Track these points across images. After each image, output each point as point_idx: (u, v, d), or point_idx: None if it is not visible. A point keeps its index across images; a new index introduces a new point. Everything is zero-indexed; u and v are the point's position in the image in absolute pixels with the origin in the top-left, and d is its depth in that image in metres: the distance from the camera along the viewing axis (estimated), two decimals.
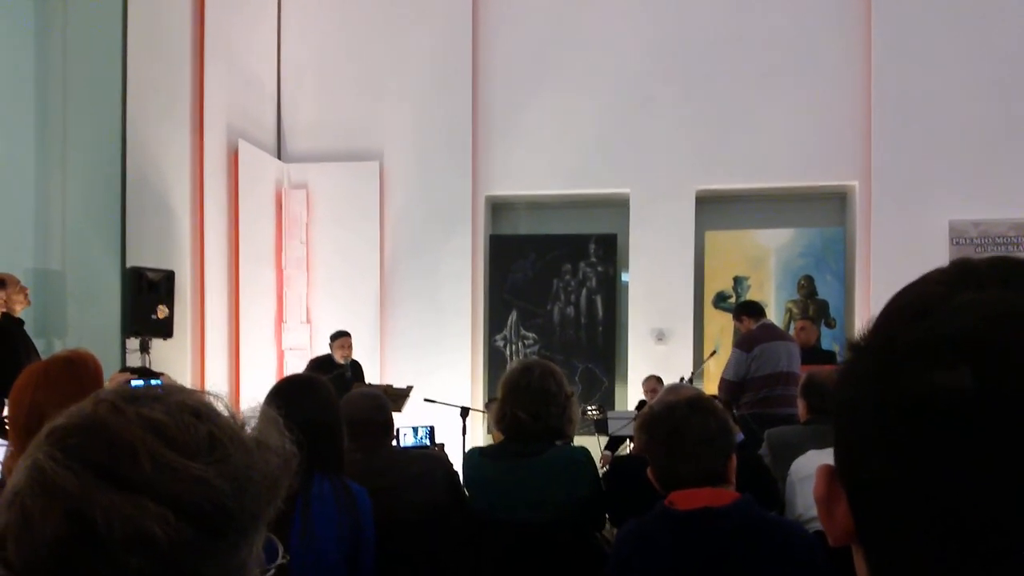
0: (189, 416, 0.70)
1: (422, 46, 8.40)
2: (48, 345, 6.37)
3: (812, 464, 3.07)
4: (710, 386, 7.51)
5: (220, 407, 0.74)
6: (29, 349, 4.96)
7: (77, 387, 2.12)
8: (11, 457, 2.12)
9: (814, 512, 2.97)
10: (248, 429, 0.74)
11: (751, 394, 5.87)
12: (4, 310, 4.70)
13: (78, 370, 2.16)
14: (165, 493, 0.66)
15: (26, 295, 4.93)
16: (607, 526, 3.02)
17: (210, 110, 7.10)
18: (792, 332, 7.26)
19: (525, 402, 2.72)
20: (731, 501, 1.90)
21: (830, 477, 0.57)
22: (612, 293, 8.46)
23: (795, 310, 8.14)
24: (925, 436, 0.48)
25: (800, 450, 3.25)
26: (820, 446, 3.23)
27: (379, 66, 8.47)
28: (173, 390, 0.73)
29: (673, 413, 2.01)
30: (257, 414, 0.77)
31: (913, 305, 0.53)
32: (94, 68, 6.90)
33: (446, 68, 8.37)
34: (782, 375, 5.87)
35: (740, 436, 3.38)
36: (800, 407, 3.96)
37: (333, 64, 8.56)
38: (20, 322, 4.90)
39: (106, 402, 0.69)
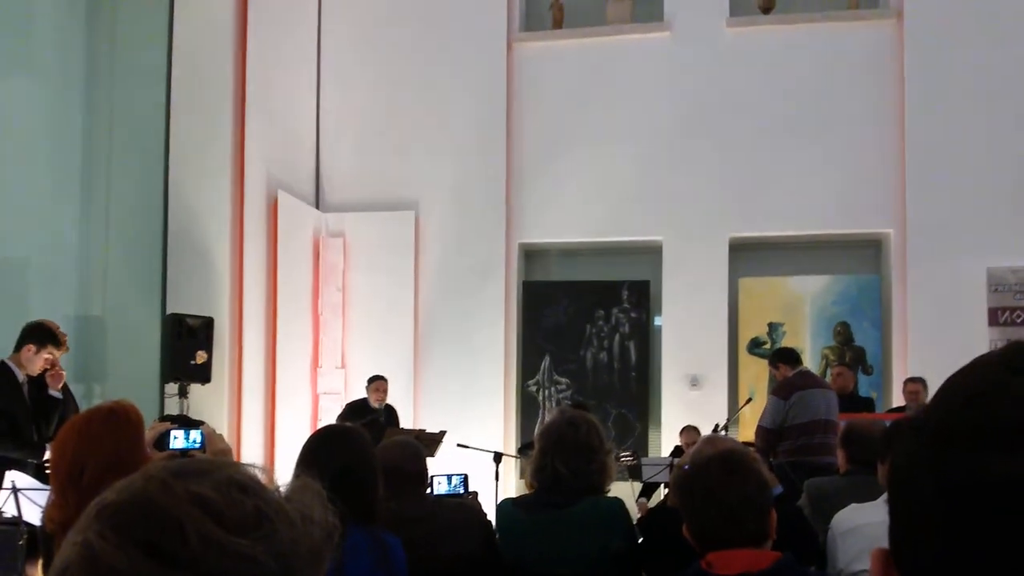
0: (237, 492, 0.70)
1: (458, 98, 8.54)
2: (88, 390, 6.48)
3: (853, 518, 3.01)
4: (745, 432, 7.42)
5: (264, 479, 0.76)
6: (67, 396, 5.01)
7: (118, 438, 2.15)
8: (53, 507, 2.15)
9: (855, 567, 2.91)
10: (290, 501, 0.76)
11: (789, 442, 5.79)
12: (52, 364, 4.77)
13: (119, 421, 2.20)
14: (213, 571, 0.66)
15: (67, 346, 4.96)
16: None
17: (250, 161, 7.25)
18: (828, 379, 7.17)
19: (568, 457, 2.71)
20: (771, 563, 1.87)
21: (885, 562, 0.56)
22: (645, 339, 8.43)
23: (831, 356, 8.04)
24: (985, 522, 0.48)
25: (840, 502, 3.19)
26: (861, 499, 3.17)
27: (415, 117, 8.61)
28: (221, 464, 0.74)
29: (708, 472, 1.97)
30: (300, 484, 0.78)
31: (969, 390, 0.53)
32: (138, 120, 7.11)
33: (481, 119, 8.49)
34: (820, 423, 5.80)
35: (778, 489, 3.33)
36: (840, 457, 3.90)
37: (370, 115, 8.72)
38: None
39: (156, 479, 0.70)
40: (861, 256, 8.38)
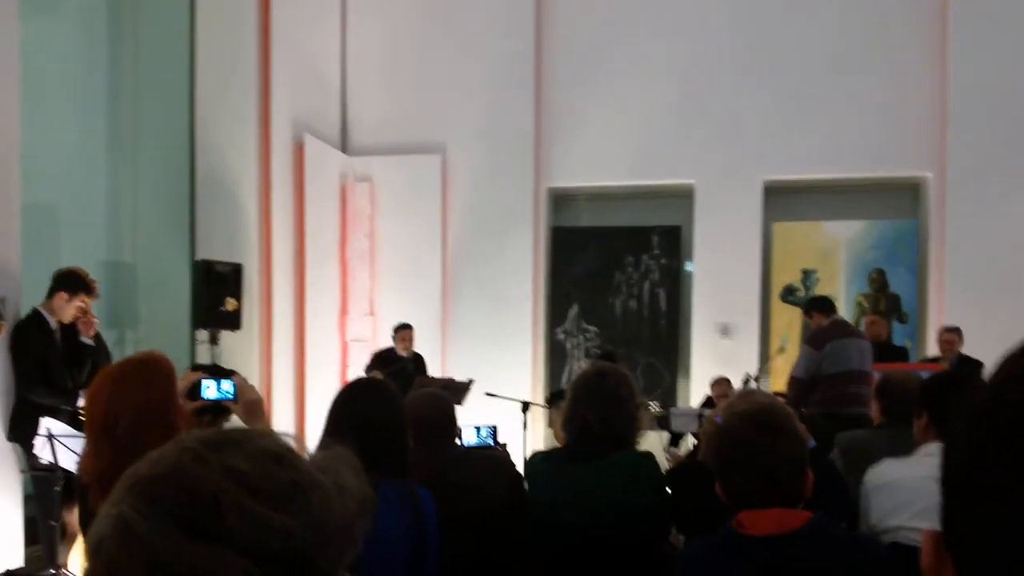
0: (271, 463, 0.70)
1: (485, 38, 8.38)
2: (120, 336, 6.56)
3: (887, 473, 2.97)
4: (777, 382, 7.38)
5: (296, 448, 0.74)
6: (98, 342, 5.05)
7: (150, 389, 2.16)
8: (88, 457, 2.17)
9: (888, 523, 2.88)
10: (324, 471, 0.74)
11: (821, 393, 5.74)
12: (84, 311, 4.81)
13: (150, 372, 2.20)
14: (248, 544, 0.66)
15: (97, 293, 5.00)
16: (673, 532, 2.97)
17: (276, 105, 7.19)
18: (862, 327, 7.08)
19: (596, 406, 2.69)
20: (803, 523, 1.83)
21: (938, 545, 0.55)
22: (675, 286, 8.36)
23: (866, 304, 7.93)
24: None
25: (874, 456, 3.14)
26: (895, 453, 3.12)
27: (442, 59, 8.48)
28: (254, 435, 0.73)
29: (743, 430, 1.92)
30: (333, 454, 0.76)
31: None
32: (163, 67, 7.06)
33: (509, 60, 8.34)
34: (854, 373, 5.74)
35: (811, 443, 3.29)
36: (874, 409, 3.85)
37: (396, 58, 8.59)
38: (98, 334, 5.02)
39: (189, 450, 0.70)
40: (898, 200, 8.19)
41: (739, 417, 1.98)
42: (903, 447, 3.05)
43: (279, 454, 0.71)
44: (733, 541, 1.85)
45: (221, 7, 7.06)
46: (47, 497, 4.47)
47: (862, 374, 5.73)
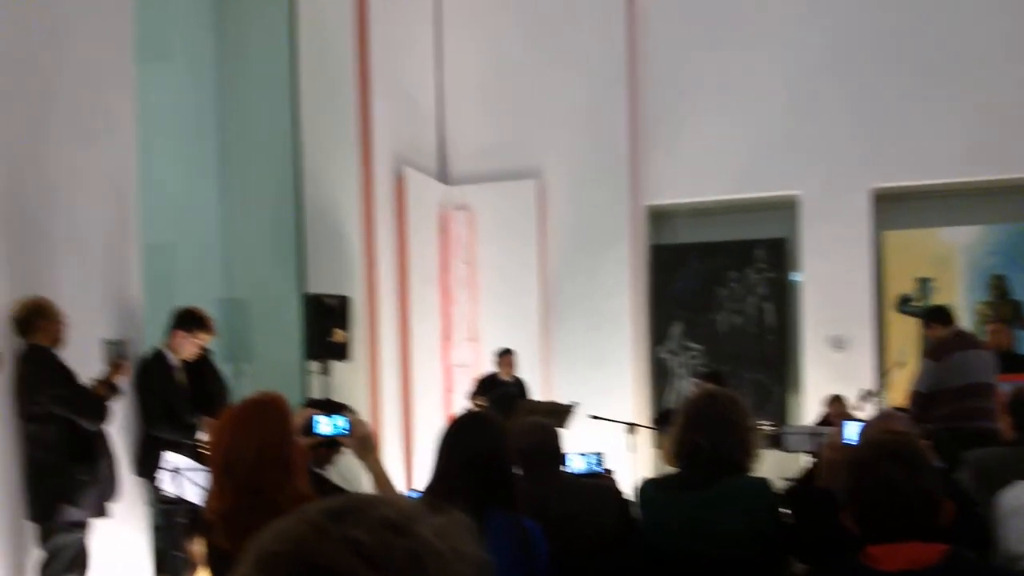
0: (390, 533, 0.70)
1: (577, 59, 8.40)
2: (237, 369, 6.80)
3: (1020, 497, 2.81)
4: (896, 397, 7.08)
5: (414, 513, 0.75)
6: (215, 379, 5.29)
7: (269, 429, 2.23)
8: (212, 497, 2.25)
9: (1021, 550, 2.71)
10: (441, 537, 0.74)
11: (944, 407, 5.51)
12: (196, 349, 5.03)
13: (268, 412, 2.27)
14: None
15: (215, 330, 5.24)
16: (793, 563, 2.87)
17: (376, 139, 7.38)
18: (983, 336, 6.74)
19: (707, 431, 2.64)
20: (939, 558, 1.73)
21: None
22: (782, 299, 8.14)
23: (987, 312, 7.54)
24: None
25: (1007, 476, 2.98)
26: None
27: (535, 83, 8.54)
28: (374, 502, 0.74)
29: (880, 465, 1.83)
30: (450, 519, 0.77)
31: None
32: (268, 107, 7.33)
33: (603, 79, 8.33)
34: (978, 386, 5.50)
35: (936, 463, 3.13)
36: (1005, 424, 3.65)
37: (490, 85, 8.70)
38: (208, 352, 5.24)
39: (311, 523, 0.71)
40: (1017, 202, 7.77)
41: (874, 448, 1.90)
42: None
43: (397, 523, 0.72)
44: None
45: (320, 46, 7.30)
46: (173, 529, 4.67)
47: (986, 386, 5.48)
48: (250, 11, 7.34)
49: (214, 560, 2.28)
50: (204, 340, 5.06)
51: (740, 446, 2.65)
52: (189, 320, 5.00)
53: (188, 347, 4.97)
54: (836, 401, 6.69)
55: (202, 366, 5.16)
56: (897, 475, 1.80)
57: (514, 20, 8.63)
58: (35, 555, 4.15)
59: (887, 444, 1.90)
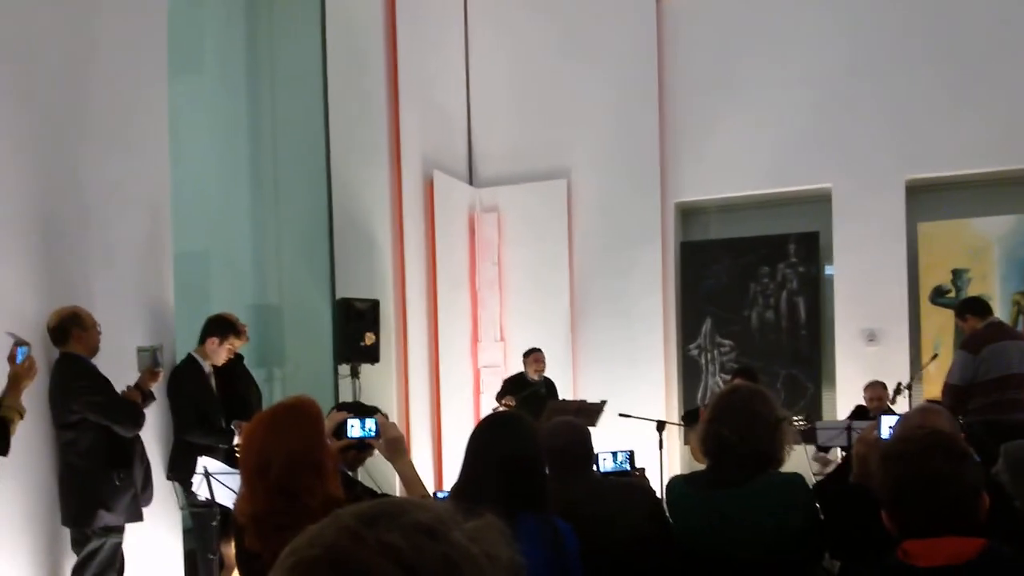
0: (424, 538, 0.71)
1: (606, 59, 8.38)
2: (268, 373, 6.88)
3: None
4: (931, 390, 6.98)
5: (448, 517, 0.75)
6: (248, 383, 5.36)
7: (300, 432, 2.25)
8: (243, 500, 2.27)
9: None
10: (475, 541, 0.74)
11: (980, 399, 5.43)
12: (228, 354, 5.09)
13: (300, 416, 2.29)
14: None
15: (247, 335, 5.32)
16: (826, 558, 2.84)
17: (406, 145, 7.42)
18: (1020, 326, 6.62)
19: (731, 425, 2.61)
20: (976, 553, 1.70)
21: None
22: (815, 294, 8.05)
23: (1023, 302, 7.40)
24: None
25: None
26: None
27: (563, 84, 8.53)
28: (408, 507, 0.74)
29: (927, 458, 1.79)
30: (484, 523, 0.77)
31: None
32: (298, 115, 7.41)
33: (631, 76, 8.30)
34: (1014, 377, 5.42)
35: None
36: None
37: (519, 87, 8.70)
38: (240, 357, 5.31)
39: (346, 528, 0.71)
40: None
41: (919, 442, 1.85)
42: None
43: (432, 527, 0.72)
44: (903, 573, 1.74)
45: (350, 54, 7.36)
46: (205, 532, 4.73)
47: (1023, 377, 5.38)
48: (281, 21, 7.42)
49: (245, 562, 2.30)
50: (237, 345, 5.12)
51: (767, 438, 2.61)
52: (222, 326, 5.06)
53: (221, 353, 5.03)
54: (873, 385, 6.60)
55: (235, 371, 5.22)
56: (943, 468, 1.77)
57: (542, 21, 8.62)
58: (71, 559, 4.23)
59: (931, 437, 1.86)
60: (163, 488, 4.77)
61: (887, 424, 2.96)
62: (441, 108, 8.31)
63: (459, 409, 7.90)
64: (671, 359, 8.36)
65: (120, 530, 4.27)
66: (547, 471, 2.45)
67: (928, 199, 7.76)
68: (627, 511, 2.75)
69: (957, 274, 7.62)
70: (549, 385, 7.50)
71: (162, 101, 5.16)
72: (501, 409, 6.61)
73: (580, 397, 7.53)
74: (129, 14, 4.94)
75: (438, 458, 7.61)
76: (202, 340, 5.06)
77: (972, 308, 5.73)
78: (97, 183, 4.66)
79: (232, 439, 4.80)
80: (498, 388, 7.50)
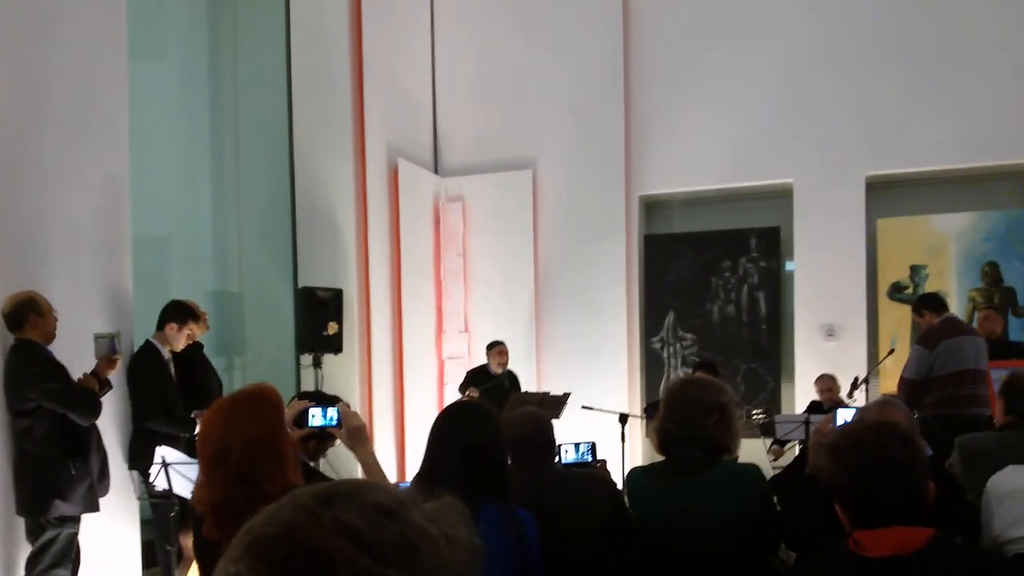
0: (382, 517, 0.70)
1: (572, 51, 8.38)
2: (229, 363, 6.80)
3: (1012, 480, 2.82)
4: (887, 384, 7.10)
5: (406, 498, 0.74)
6: (208, 371, 5.31)
7: (261, 420, 2.22)
8: (201, 488, 2.24)
9: (1013, 533, 2.72)
10: (434, 522, 0.74)
11: (935, 394, 5.52)
12: (188, 340, 5.03)
13: (260, 403, 2.26)
14: None
15: (206, 322, 5.27)
16: (783, 549, 2.88)
17: (370, 132, 7.36)
18: (975, 323, 6.75)
19: (671, 415, 2.69)
20: (925, 543, 1.74)
21: None
22: (776, 289, 8.14)
23: (979, 299, 7.56)
24: None
25: (997, 461, 2.99)
26: (1020, 459, 2.95)
27: (529, 75, 8.52)
28: (365, 487, 0.74)
29: (874, 445, 1.81)
30: (442, 504, 0.76)
31: None
32: (262, 102, 7.32)
33: (597, 70, 8.32)
34: (969, 373, 5.51)
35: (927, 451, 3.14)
36: (998, 408, 3.67)
37: (484, 77, 8.67)
38: (200, 345, 5.25)
39: (303, 507, 0.71)
40: (1009, 189, 7.77)
41: (877, 431, 1.87)
42: None
43: (389, 507, 0.72)
44: (854, 563, 1.77)
45: (314, 38, 7.28)
46: (163, 523, 4.67)
47: (978, 373, 5.50)
48: (245, 7, 7.32)
49: (203, 551, 2.27)
50: (196, 332, 5.06)
51: (710, 427, 2.65)
52: (181, 312, 5.00)
53: (180, 339, 4.97)
54: (823, 378, 6.71)
55: (195, 360, 5.16)
56: (901, 456, 1.80)
57: (508, 11, 8.60)
58: (25, 549, 4.15)
59: (888, 427, 1.89)
60: (120, 478, 4.70)
61: (843, 417, 3.01)
62: (406, 96, 8.26)
63: (423, 401, 7.88)
64: (634, 352, 8.41)
65: (76, 520, 4.20)
66: (509, 461, 2.46)
67: (888, 195, 7.88)
68: (588, 502, 2.77)
69: (915, 270, 7.76)
70: (512, 378, 7.51)
71: (122, 86, 5.08)
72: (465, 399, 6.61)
73: (544, 389, 7.56)
74: None
75: (401, 450, 7.59)
76: (160, 326, 4.99)
77: (928, 304, 5.83)
78: (56, 167, 4.58)
79: (194, 428, 4.75)
80: (461, 381, 7.50)
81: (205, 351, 5.35)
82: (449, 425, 2.38)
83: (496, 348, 7.41)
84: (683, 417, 2.64)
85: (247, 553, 0.69)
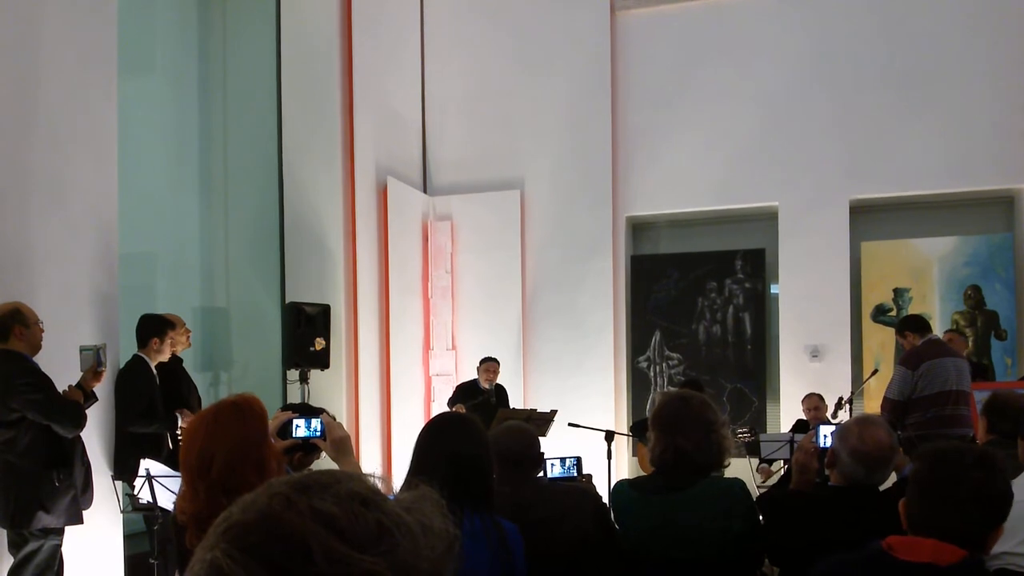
0: (358, 505, 0.71)
1: (560, 72, 8.46)
2: (215, 377, 6.78)
3: None
4: (871, 404, 7.14)
5: (383, 487, 0.75)
6: (190, 386, 5.31)
7: (244, 430, 2.21)
8: (183, 499, 2.23)
9: (994, 549, 2.75)
10: (410, 512, 0.75)
11: (918, 414, 5.56)
12: (172, 350, 5.04)
13: (244, 413, 2.25)
14: None
15: (188, 336, 5.27)
16: (766, 563, 2.90)
17: (360, 150, 7.40)
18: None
19: (686, 432, 2.64)
20: (959, 560, 1.76)
21: None
22: (761, 310, 8.19)
23: (962, 322, 7.62)
24: None
25: None
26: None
27: (519, 94, 8.59)
28: (342, 477, 0.74)
29: (960, 460, 1.84)
30: (419, 494, 0.77)
31: None
32: (251, 118, 7.35)
33: (585, 92, 8.39)
34: (951, 393, 5.55)
35: (908, 468, 3.17)
36: (981, 427, 3.70)
37: (474, 98, 8.74)
38: (180, 360, 5.24)
39: (280, 495, 0.71)
40: (992, 214, 7.88)
41: (955, 449, 1.92)
42: (1012, 468, 2.92)
43: (365, 496, 0.72)
44: (885, 563, 1.80)
45: (304, 56, 7.32)
46: (149, 535, 4.64)
47: (960, 393, 5.55)
48: (235, 23, 7.36)
49: (185, 562, 2.27)
50: (178, 339, 5.08)
51: (714, 448, 2.67)
52: (157, 325, 5.01)
53: (165, 350, 5.00)
54: (810, 397, 6.75)
55: (175, 373, 5.16)
56: (968, 474, 1.82)
57: (498, 33, 8.68)
58: (7, 562, 4.12)
59: (966, 448, 1.94)
60: (104, 490, 4.68)
61: (824, 432, 3.03)
62: (396, 115, 8.30)
63: (410, 418, 7.87)
64: (621, 371, 8.44)
65: (59, 532, 4.17)
66: (494, 473, 2.47)
67: (871, 219, 7.97)
68: (573, 514, 2.77)
69: (898, 293, 7.83)
70: (500, 393, 7.52)
71: (111, 100, 5.10)
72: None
73: (531, 406, 7.56)
74: (78, 12, 4.87)
75: (387, 467, 7.56)
76: (144, 342, 4.98)
77: (911, 325, 5.88)
78: (44, 181, 4.58)
79: (176, 425, 4.75)
80: (449, 395, 7.51)
81: (188, 365, 5.35)
82: (436, 434, 2.39)
83: (486, 364, 7.45)
84: (699, 437, 2.63)
85: (223, 539, 0.69)
